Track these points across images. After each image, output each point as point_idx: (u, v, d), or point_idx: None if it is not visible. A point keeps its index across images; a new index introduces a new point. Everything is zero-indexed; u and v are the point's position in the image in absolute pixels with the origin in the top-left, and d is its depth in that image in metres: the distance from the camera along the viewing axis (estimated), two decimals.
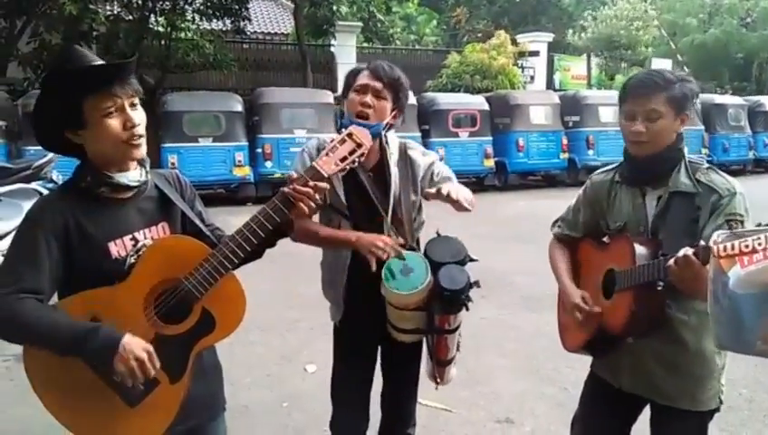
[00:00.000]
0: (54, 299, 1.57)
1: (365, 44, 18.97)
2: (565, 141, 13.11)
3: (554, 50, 21.40)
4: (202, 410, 1.73)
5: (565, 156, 13.15)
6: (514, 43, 18.26)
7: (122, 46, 13.30)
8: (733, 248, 1.34)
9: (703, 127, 14.32)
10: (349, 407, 2.27)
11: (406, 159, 2.16)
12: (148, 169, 1.67)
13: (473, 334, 4.51)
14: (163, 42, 13.78)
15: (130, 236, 1.61)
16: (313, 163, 1.60)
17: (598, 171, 2.09)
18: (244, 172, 10.98)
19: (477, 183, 12.87)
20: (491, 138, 12.72)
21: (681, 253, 1.55)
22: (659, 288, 1.71)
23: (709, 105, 14.73)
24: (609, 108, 12.86)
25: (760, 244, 1.30)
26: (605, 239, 2.00)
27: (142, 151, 1.59)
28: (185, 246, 1.60)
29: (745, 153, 15.25)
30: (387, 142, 2.15)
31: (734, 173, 15.30)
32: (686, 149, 1.87)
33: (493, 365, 4.06)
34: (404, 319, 2.07)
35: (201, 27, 14.88)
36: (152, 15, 13.63)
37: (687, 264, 1.54)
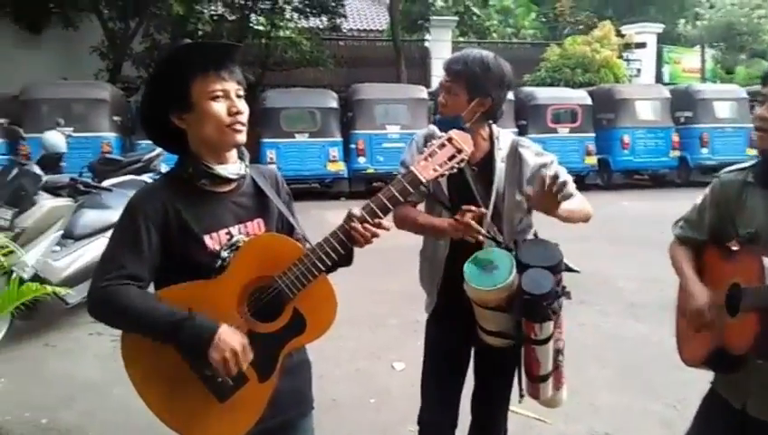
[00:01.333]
0: (150, 289, 1.60)
1: (460, 39, 18.74)
2: (676, 139, 12.36)
3: (664, 41, 20.16)
4: (290, 407, 1.71)
5: (676, 154, 12.38)
6: (619, 34, 17.43)
7: None
8: None
9: None
10: (436, 403, 2.23)
11: (515, 157, 2.09)
12: (247, 163, 1.67)
13: (569, 340, 4.30)
14: (263, 40, 14.33)
15: (226, 230, 1.61)
16: (411, 168, 1.58)
17: (728, 169, 1.88)
18: (338, 167, 11.19)
19: (578, 181, 12.32)
20: (593, 134, 12.24)
21: None
22: None
23: None
24: (727, 103, 11.98)
25: None
26: (732, 246, 1.80)
27: (243, 138, 1.59)
28: (280, 244, 1.59)
29: None
30: (497, 137, 2.10)
31: None
32: None
33: (593, 376, 3.86)
34: (485, 318, 1.99)
35: (299, 25, 15.34)
36: (253, 15, 14.20)
37: None
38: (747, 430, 1.77)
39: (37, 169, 4.40)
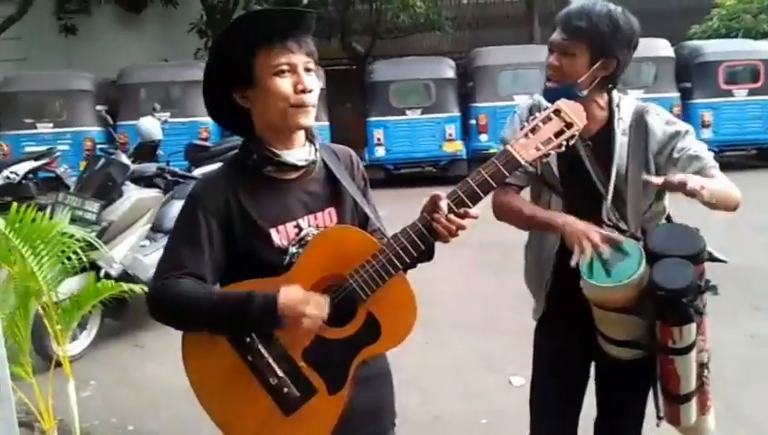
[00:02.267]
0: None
1: None
2: None
3: None
4: (367, 423, 1.73)
5: None
6: None
7: (331, 13, 14.34)
8: None
9: None
10: (548, 426, 2.18)
11: (641, 128, 1.98)
12: (317, 146, 1.70)
13: (736, 358, 4.03)
14: (373, 5, 14.55)
15: (294, 223, 1.65)
16: (508, 146, 1.54)
17: None
18: (456, 148, 11.14)
19: (760, 157, 11.39)
20: None
21: None
22: None
23: None
24: None
25: None
26: None
27: (310, 120, 1.62)
28: (353, 238, 1.61)
29: None
30: (617, 105, 2.01)
31: None
32: None
33: (763, 400, 3.57)
34: (609, 323, 1.89)
35: None
36: None
37: None
38: None
39: (125, 159, 4.79)
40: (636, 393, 2.08)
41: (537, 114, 1.58)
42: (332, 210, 1.70)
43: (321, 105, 11.17)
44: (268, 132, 1.63)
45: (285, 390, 1.56)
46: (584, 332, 1.98)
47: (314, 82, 1.59)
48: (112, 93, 11.34)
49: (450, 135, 11.07)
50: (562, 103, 1.57)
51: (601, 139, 1.99)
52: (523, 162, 1.52)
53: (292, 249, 1.63)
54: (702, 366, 1.92)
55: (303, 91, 1.57)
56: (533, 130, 1.54)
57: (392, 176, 11.17)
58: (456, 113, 11.27)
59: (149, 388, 4.04)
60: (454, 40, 16.21)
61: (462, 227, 1.52)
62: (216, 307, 1.54)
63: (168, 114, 6.77)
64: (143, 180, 4.91)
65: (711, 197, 1.72)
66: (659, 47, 11.44)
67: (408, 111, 11.27)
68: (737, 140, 11.29)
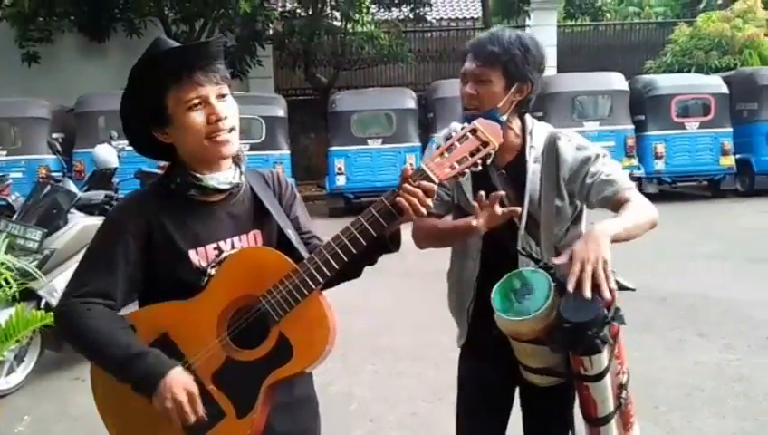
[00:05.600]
0: (135, 306, 1.66)
1: (568, 22, 18.34)
2: None
3: None
4: None
5: None
6: None
7: (295, 44, 14.45)
8: None
9: None
10: None
11: (552, 154, 1.99)
12: (243, 169, 1.69)
13: (680, 385, 4.08)
14: (338, 36, 14.69)
15: (215, 245, 1.64)
16: (422, 164, 1.54)
17: None
18: None
19: (711, 187, 11.67)
20: (730, 129, 11.53)
21: None
22: None
23: None
24: None
25: None
26: None
27: (231, 149, 1.61)
28: (268, 258, 1.60)
29: None
30: (530, 132, 2.01)
31: None
32: None
33: (707, 427, 3.61)
34: (525, 353, 1.89)
35: (378, 17, 15.60)
36: (327, 9, 14.61)
37: None
38: None
39: (72, 186, 4.72)
40: (559, 417, 2.05)
41: (453, 133, 1.58)
42: (257, 233, 1.70)
43: (283, 134, 11.20)
44: (192, 160, 1.63)
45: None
46: (508, 357, 1.96)
47: (229, 108, 1.59)
48: (70, 121, 11.21)
49: (410, 165, 11.00)
50: (479, 123, 1.57)
51: (515, 167, 2.00)
52: (437, 180, 1.51)
53: (212, 270, 1.62)
54: (620, 387, 1.91)
55: (218, 120, 1.56)
56: (449, 149, 1.54)
57: (352, 205, 11.17)
58: (417, 143, 11.34)
59: (87, 422, 3.91)
60: (417, 72, 16.44)
61: (423, 202, 1.50)
62: (103, 351, 1.54)
63: (125, 142, 6.69)
64: (92, 208, 4.84)
65: (622, 231, 1.74)
66: (614, 81, 11.73)
67: (369, 141, 11.34)
68: (689, 171, 11.54)
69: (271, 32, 14.42)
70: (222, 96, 1.58)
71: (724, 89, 11.62)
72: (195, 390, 1.51)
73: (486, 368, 2.09)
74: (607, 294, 1.63)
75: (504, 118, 1.93)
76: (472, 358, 2.15)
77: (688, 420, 3.65)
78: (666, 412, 3.71)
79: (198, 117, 1.56)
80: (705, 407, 3.81)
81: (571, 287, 1.65)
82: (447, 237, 2.06)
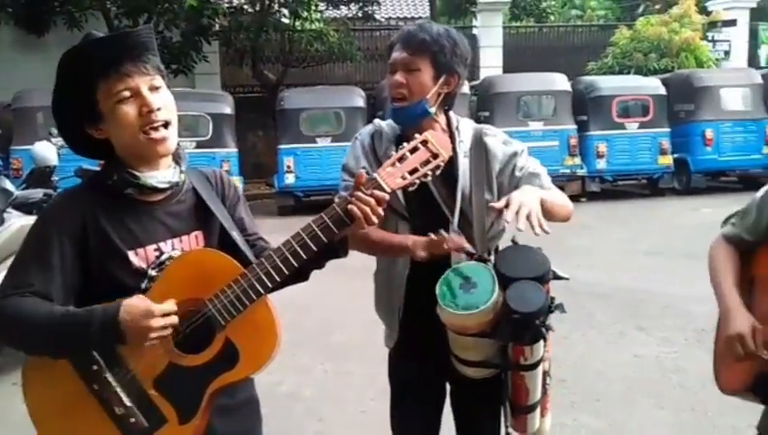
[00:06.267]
0: None
1: (513, 23, 18.63)
2: None
3: (759, 18, 19.51)
4: None
5: None
6: (703, 12, 16.93)
7: (243, 41, 14.26)
8: None
9: None
10: None
11: (480, 149, 2.02)
12: (183, 167, 1.65)
13: (621, 378, 4.19)
14: (286, 33, 14.56)
15: (155, 246, 1.60)
16: (375, 174, 1.54)
17: None
18: None
19: (649, 185, 12.03)
20: (668, 129, 11.87)
21: None
22: None
23: None
24: None
25: None
26: None
27: (168, 146, 1.56)
28: (216, 261, 1.56)
29: None
30: (456, 128, 2.04)
31: None
32: None
33: (646, 419, 3.71)
34: (465, 348, 1.90)
35: (326, 15, 15.53)
36: (275, 5, 14.46)
37: None
38: None
39: (8, 184, 4.55)
40: (490, 409, 2.10)
41: (405, 144, 1.58)
42: (199, 234, 1.66)
43: (230, 131, 11.05)
44: (130, 157, 1.57)
45: (132, 420, 1.50)
46: (439, 355, 1.97)
47: (162, 99, 1.54)
48: (7, 117, 10.80)
49: (363, 168, 10.98)
50: (429, 134, 1.59)
51: (445, 163, 2.02)
52: (388, 190, 1.52)
53: (152, 272, 1.58)
54: (545, 374, 1.97)
55: (150, 112, 1.51)
56: (401, 160, 1.55)
57: (302, 203, 11.10)
58: None
59: (25, 429, 3.77)
60: (366, 70, 16.44)
61: (375, 211, 1.50)
62: (55, 324, 1.46)
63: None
64: (30, 207, 4.67)
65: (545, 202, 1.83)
66: (558, 81, 11.95)
67: (318, 139, 11.26)
68: (629, 170, 11.87)
69: (217, 27, 14.17)
70: (155, 88, 1.53)
71: (662, 90, 11.98)
72: (152, 305, 1.46)
73: (417, 368, 2.10)
74: (538, 229, 1.71)
75: (433, 110, 1.95)
76: (402, 357, 2.15)
77: (628, 412, 3.75)
78: (607, 405, 3.81)
79: (130, 110, 1.51)
80: (645, 399, 3.92)
81: (509, 218, 1.71)
82: (379, 250, 2.05)
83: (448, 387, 2.17)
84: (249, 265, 1.54)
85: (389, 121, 2.05)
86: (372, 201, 1.50)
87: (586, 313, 5.23)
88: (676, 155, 11.88)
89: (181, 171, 1.64)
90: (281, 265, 1.50)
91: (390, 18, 20.73)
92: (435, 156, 1.56)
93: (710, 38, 16.79)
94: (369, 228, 1.97)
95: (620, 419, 3.67)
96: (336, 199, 1.58)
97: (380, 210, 1.51)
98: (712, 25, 17.02)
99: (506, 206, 1.74)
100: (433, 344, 1.94)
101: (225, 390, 1.56)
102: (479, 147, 2.02)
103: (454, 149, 2.00)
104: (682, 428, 3.59)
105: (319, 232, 1.50)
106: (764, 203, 1.78)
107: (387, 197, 1.52)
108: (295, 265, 1.50)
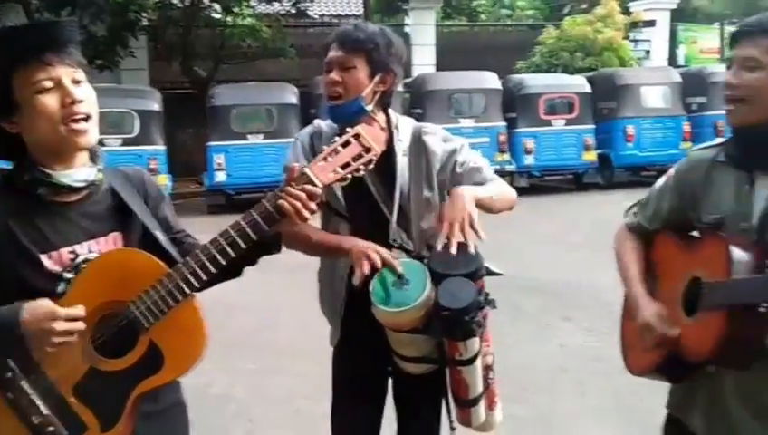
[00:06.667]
0: None
1: (445, 22, 18.84)
2: (688, 128, 12.42)
3: (678, 18, 20.35)
4: None
5: (688, 146, 12.40)
6: (626, 12, 17.53)
7: (172, 36, 13.91)
8: None
9: None
10: None
11: (420, 147, 2.05)
12: (101, 166, 1.60)
13: (548, 368, 4.31)
14: (217, 29, 14.28)
15: (70, 248, 1.54)
16: (305, 169, 1.52)
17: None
18: None
19: (575, 180, 12.41)
20: (593, 126, 12.30)
21: None
22: (762, 310, 1.50)
23: None
24: None
25: None
26: (694, 233, 1.80)
27: (89, 139, 1.51)
28: (139, 262, 1.52)
29: None
30: (396, 126, 2.06)
31: None
32: None
33: (571, 407, 3.84)
34: (402, 344, 1.94)
35: (257, 11, 15.31)
36: (206, 0, 14.16)
37: None
38: None
39: None
40: (431, 404, 2.13)
41: (336, 138, 1.58)
42: (118, 235, 1.61)
43: (158, 128, 10.79)
44: (43, 153, 1.51)
45: (50, 429, 1.45)
46: (381, 351, 2.00)
47: (85, 92, 1.49)
48: None
49: (296, 162, 10.97)
50: (361, 128, 1.58)
51: (384, 161, 2.00)
52: (320, 185, 1.51)
53: (68, 275, 1.52)
54: (487, 368, 2.02)
55: (73, 103, 1.46)
56: (332, 154, 1.54)
57: (233, 201, 10.94)
58: None
59: None
60: (300, 67, 16.29)
61: (307, 205, 1.48)
62: None
63: None
64: None
65: (485, 198, 1.89)
66: (488, 79, 12.18)
67: (249, 136, 11.13)
68: (556, 166, 12.22)
69: (145, 22, 13.78)
70: (77, 82, 1.48)
71: (587, 88, 12.38)
72: (57, 307, 1.41)
73: (360, 365, 2.11)
74: (471, 249, 1.74)
75: (369, 108, 1.97)
76: (345, 355, 2.16)
77: (555, 401, 3.87)
78: (534, 394, 3.92)
79: (51, 101, 1.45)
80: (570, 387, 4.06)
81: (440, 246, 1.75)
82: (318, 250, 2.06)
83: (391, 383, 2.19)
84: (175, 264, 1.51)
85: (329, 122, 2.06)
86: (303, 196, 1.48)
87: (514, 305, 5.36)
88: (599, 151, 12.29)
89: (98, 170, 1.59)
90: (208, 264, 1.47)
91: (324, 15, 20.61)
92: (367, 150, 1.55)
93: (632, 38, 17.43)
94: (311, 230, 2.01)
95: (546, 408, 3.78)
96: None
97: (312, 205, 1.50)
98: (633, 26, 17.67)
99: (440, 220, 1.78)
100: (375, 341, 1.96)
101: (150, 394, 1.53)
102: (418, 145, 2.04)
103: (392, 147, 2.03)
104: (604, 414, 3.72)
105: (248, 229, 1.48)
106: (663, 193, 1.86)
107: (318, 191, 1.51)
108: (223, 263, 1.48)
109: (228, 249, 1.47)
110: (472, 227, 1.81)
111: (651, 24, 18.20)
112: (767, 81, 1.60)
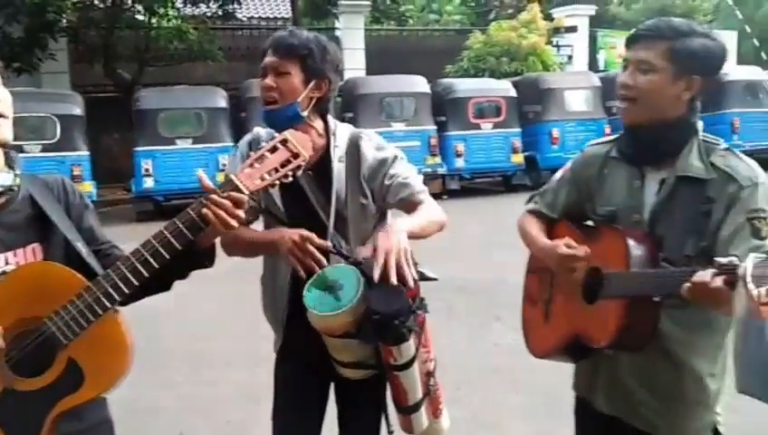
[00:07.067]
0: None
1: (374, 26, 18.93)
2: (608, 130, 12.81)
3: (597, 25, 21.08)
4: None
5: None
6: (548, 18, 18.03)
7: (93, 38, 13.44)
8: None
9: None
10: None
11: (355, 153, 2.05)
12: (18, 172, 1.53)
13: (480, 367, 4.37)
14: (141, 31, 13.89)
15: None
16: (231, 176, 1.49)
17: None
18: None
19: (504, 182, 12.66)
20: (519, 129, 12.58)
21: (700, 277, 1.42)
22: (656, 299, 1.62)
23: None
24: None
25: None
26: (590, 223, 1.91)
27: (4, 132, 1.45)
28: (56, 275, 1.46)
29: None
30: (333, 132, 2.06)
31: None
32: (700, 125, 1.76)
33: (503, 404, 3.91)
34: (338, 349, 1.94)
35: (182, 13, 14.98)
36: (128, 1, 13.76)
37: (708, 293, 1.41)
38: (616, 431, 1.84)
39: None
40: (372, 409, 2.12)
41: (263, 144, 1.56)
42: (37, 247, 1.54)
43: (80, 134, 10.41)
44: None
45: None
46: (323, 356, 1.99)
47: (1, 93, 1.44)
48: None
49: (224, 165, 10.79)
50: (289, 133, 1.56)
51: (321, 167, 2.03)
52: (246, 192, 1.47)
53: None
54: (428, 375, 2.01)
55: None
56: (259, 160, 1.51)
57: (162, 208, 10.64)
58: (230, 143, 11.04)
59: None
60: (229, 70, 16.01)
61: (233, 214, 1.44)
62: None
63: None
64: None
65: (416, 229, 1.87)
66: (418, 83, 12.30)
67: (178, 141, 10.87)
68: (485, 168, 12.46)
69: (65, 23, 13.27)
70: None
71: (513, 92, 12.67)
72: None
73: (302, 370, 2.10)
74: (411, 282, 1.73)
75: (305, 114, 1.96)
76: (288, 362, 2.14)
77: (487, 399, 3.93)
78: (467, 394, 3.96)
79: None
80: (502, 385, 4.12)
81: (376, 277, 1.72)
82: (252, 249, 2.05)
83: (332, 388, 2.18)
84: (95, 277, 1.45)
85: (269, 129, 2.04)
86: (228, 204, 1.45)
87: (447, 305, 5.41)
88: (526, 153, 12.59)
89: (15, 175, 1.52)
90: (130, 277, 1.42)
91: (252, 18, 20.37)
92: (295, 156, 1.53)
93: (554, 43, 17.94)
94: (244, 232, 1.98)
95: (479, 406, 3.83)
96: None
97: (239, 213, 1.46)
98: (556, 31, 18.20)
99: (376, 258, 1.75)
100: (317, 347, 1.94)
101: (73, 413, 1.46)
102: (354, 151, 2.04)
103: (328, 153, 2.03)
104: (534, 411, 3.80)
105: (172, 239, 1.43)
106: (560, 186, 1.96)
107: (245, 199, 1.47)
108: (146, 275, 1.43)
109: (151, 260, 1.43)
110: (407, 259, 1.78)
111: (573, 29, 18.80)
112: (659, 84, 1.68)
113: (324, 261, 1.88)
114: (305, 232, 1.89)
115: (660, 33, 1.68)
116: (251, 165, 1.50)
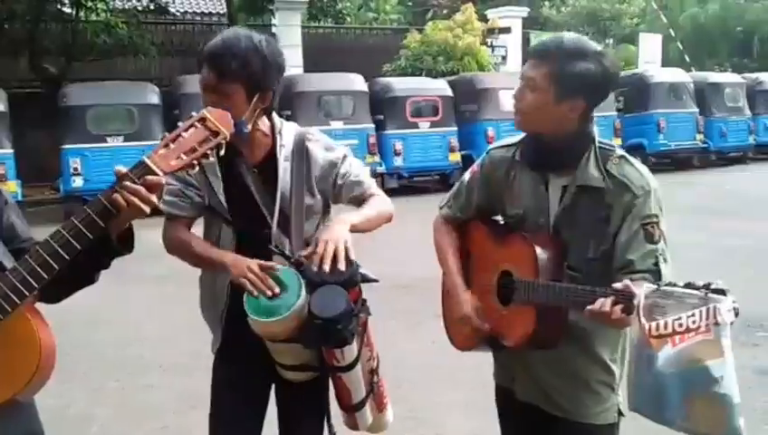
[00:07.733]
0: None
1: (311, 23, 18.80)
2: None
3: (530, 26, 21.58)
4: None
5: None
6: (483, 19, 18.31)
7: (18, 30, 12.87)
8: (666, 328, 1.42)
9: (697, 109, 14.54)
10: None
11: (302, 153, 2.03)
12: None
13: (420, 364, 4.39)
14: (68, 24, 13.38)
15: None
16: (144, 158, 1.44)
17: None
18: None
19: (442, 181, 12.78)
20: (456, 128, 12.72)
21: (600, 305, 1.57)
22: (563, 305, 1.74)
23: (703, 84, 14.99)
24: None
25: (694, 322, 1.38)
26: (500, 220, 2.00)
27: None
28: None
29: (745, 138, 15.51)
30: (279, 131, 2.03)
31: (733, 161, 15.66)
32: (596, 131, 1.83)
33: (442, 401, 3.94)
34: (280, 353, 1.93)
35: (115, 6, 14.53)
36: None
37: (607, 320, 1.58)
38: (535, 417, 1.94)
39: None
40: (313, 410, 2.12)
41: (180, 124, 1.51)
42: None
43: (4, 131, 9.95)
44: None
45: None
46: (263, 357, 1.97)
47: None
48: None
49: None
50: (208, 111, 1.50)
51: (267, 165, 2.01)
52: (161, 173, 1.42)
53: None
54: (372, 373, 2.04)
55: None
56: (174, 140, 1.46)
57: None
58: (161, 140, 10.80)
59: None
60: (162, 66, 15.61)
61: (145, 199, 1.39)
62: None
63: None
64: None
65: (361, 223, 1.92)
66: (356, 82, 12.29)
67: (108, 138, 10.51)
68: (423, 167, 12.57)
69: None
70: None
71: (449, 92, 12.81)
72: None
73: (241, 371, 2.07)
74: (342, 266, 1.77)
75: (250, 127, 1.92)
76: (227, 362, 2.11)
77: (427, 396, 3.96)
78: (408, 391, 3.98)
79: None
80: (442, 382, 4.15)
81: (315, 266, 1.75)
82: (199, 262, 2.01)
83: (273, 390, 2.16)
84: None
85: None
86: (141, 189, 1.40)
87: (386, 304, 5.41)
88: (463, 152, 12.74)
89: None
90: (39, 270, 1.36)
91: (186, 12, 19.91)
92: (215, 134, 1.47)
93: (489, 44, 18.23)
94: (193, 239, 1.98)
95: (420, 404, 3.85)
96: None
97: (153, 198, 1.42)
98: (490, 32, 18.48)
99: (315, 250, 1.79)
100: (257, 348, 1.92)
101: None
102: (301, 151, 2.02)
103: (274, 152, 2.01)
104: (472, 406, 3.82)
105: (82, 228, 1.37)
106: (471, 187, 2.01)
107: (160, 181, 1.43)
108: (57, 267, 1.36)
109: (61, 252, 1.37)
110: (345, 249, 1.81)
111: (507, 30, 19.14)
112: (543, 102, 1.74)
113: (277, 289, 1.84)
114: (264, 263, 1.87)
115: (547, 55, 1.73)
116: (165, 145, 1.46)
